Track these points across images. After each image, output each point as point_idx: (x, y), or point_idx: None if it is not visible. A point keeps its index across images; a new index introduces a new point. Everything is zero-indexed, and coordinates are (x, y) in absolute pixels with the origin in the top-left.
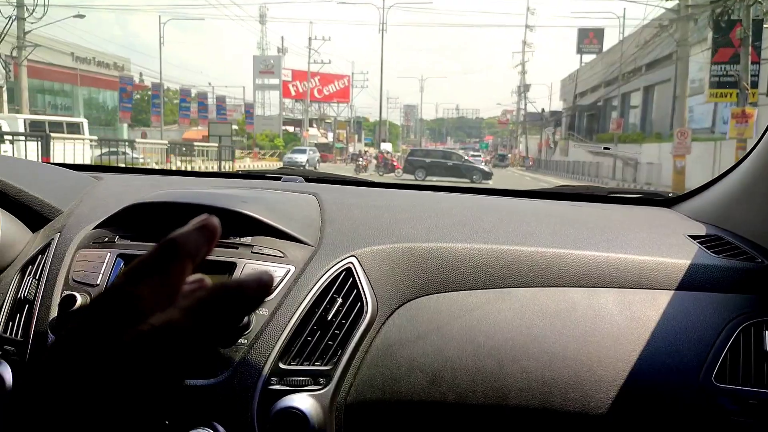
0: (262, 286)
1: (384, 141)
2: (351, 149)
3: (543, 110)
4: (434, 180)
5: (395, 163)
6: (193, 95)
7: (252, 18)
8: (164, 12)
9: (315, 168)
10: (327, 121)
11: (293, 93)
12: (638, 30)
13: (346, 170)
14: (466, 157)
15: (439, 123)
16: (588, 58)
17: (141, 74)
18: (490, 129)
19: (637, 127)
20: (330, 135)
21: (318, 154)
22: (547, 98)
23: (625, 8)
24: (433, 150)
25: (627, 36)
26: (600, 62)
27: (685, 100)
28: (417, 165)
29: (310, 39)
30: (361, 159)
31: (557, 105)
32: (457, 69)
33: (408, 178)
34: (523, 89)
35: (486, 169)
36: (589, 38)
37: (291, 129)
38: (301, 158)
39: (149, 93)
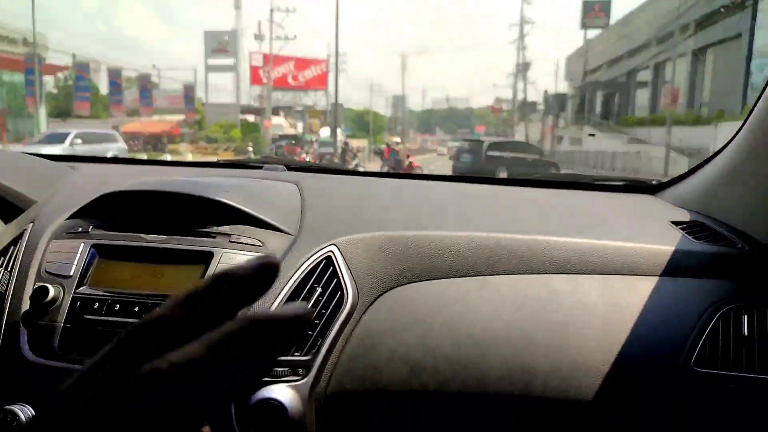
0: (300, 318)
1: (339, 128)
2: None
3: (546, 92)
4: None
5: (411, 160)
6: (129, 78)
7: None
8: None
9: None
10: (297, 109)
11: (265, 80)
12: None
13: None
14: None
15: (428, 114)
16: (593, 33)
17: (73, 55)
18: (482, 119)
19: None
20: (300, 125)
21: (121, 144)
22: (548, 79)
23: None
24: (508, 142)
25: None
26: (618, 30)
27: None
28: (497, 162)
29: (271, 10)
30: (349, 153)
31: (560, 87)
32: (444, 47)
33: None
34: (522, 68)
35: (553, 160)
36: (594, 11)
37: (252, 118)
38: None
39: (75, 75)
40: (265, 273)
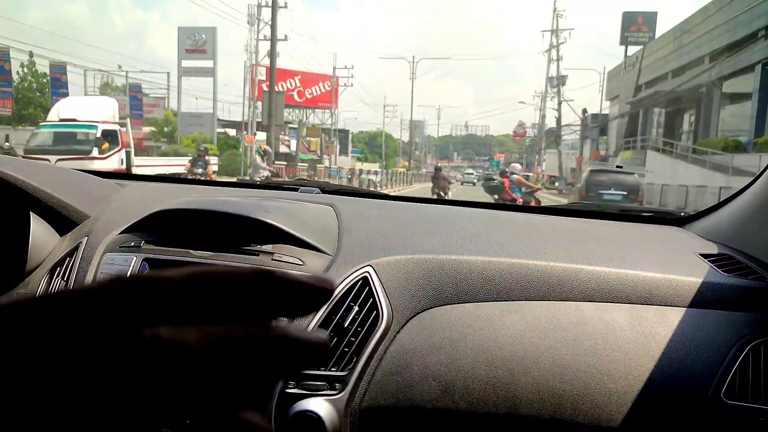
0: (315, 345)
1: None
2: (328, 162)
3: (585, 111)
4: None
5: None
6: (115, 86)
7: None
8: None
9: None
10: (292, 125)
11: (252, 87)
12: None
13: None
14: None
15: (446, 140)
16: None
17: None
18: (501, 147)
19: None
20: (293, 143)
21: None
22: (581, 96)
23: None
24: (613, 171)
25: None
26: (681, 37)
27: None
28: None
29: (259, 6)
30: (441, 180)
31: (592, 106)
32: (465, 68)
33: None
34: (555, 82)
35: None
36: (637, 24)
37: (233, 132)
38: None
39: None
40: (317, 292)
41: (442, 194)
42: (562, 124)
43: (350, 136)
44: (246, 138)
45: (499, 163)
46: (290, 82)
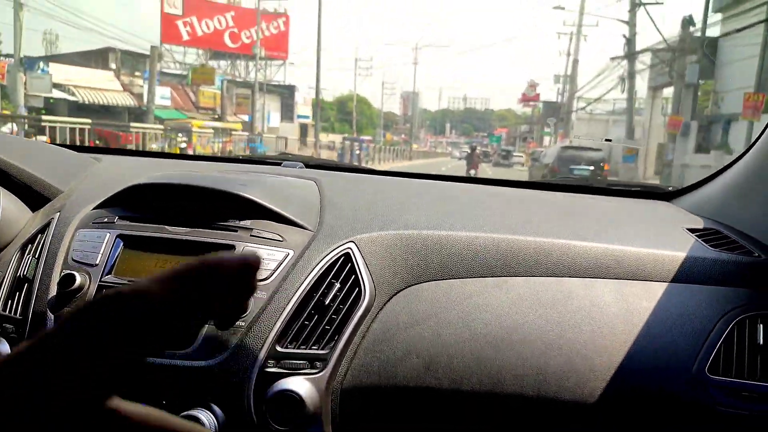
0: (247, 266)
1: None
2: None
3: (689, 21)
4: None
5: None
6: None
7: None
8: None
9: None
10: (166, 70)
11: (186, 36)
12: None
13: None
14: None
15: (442, 114)
16: None
17: None
18: (502, 122)
19: None
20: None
21: None
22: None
23: None
24: (581, 147)
25: None
26: None
27: None
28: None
29: None
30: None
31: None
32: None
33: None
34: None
35: None
36: None
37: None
38: None
39: None
40: (246, 271)
41: (474, 171)
42: (636, 49)
43: (295, 94)
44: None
45: (500, 138)
46: (218, 20)
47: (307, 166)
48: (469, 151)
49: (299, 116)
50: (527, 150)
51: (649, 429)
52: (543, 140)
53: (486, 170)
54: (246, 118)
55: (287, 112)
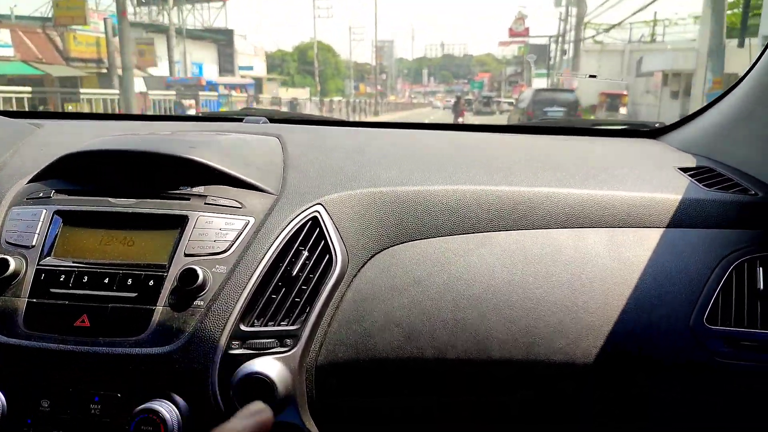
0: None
1: None
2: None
3: None
4: None
5: None
6: None
7: None
8: None
9: None
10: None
11: None
12: None
13: None
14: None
15: (420, 62)
16: None
17: None
18: (482, 67)
19: None
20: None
21: None
22: None
23: None
24: (554, 90)
25: None
26: None
27: None
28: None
29: None
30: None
31: None
32: None
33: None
34: None
35: None
36: None
37: None
38: None
39: None
40: None
41: (460, 119)
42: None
43: (234, 41)
44: None
45: (483, 84)
46: None
47: (272, 120)
48: (454, 101)
49: (242, 68)
50: (516, 96)
51: (645, 387)
52: (534, 83)
53: (469, 119)
54: (153, 71)
55: (227, 63)
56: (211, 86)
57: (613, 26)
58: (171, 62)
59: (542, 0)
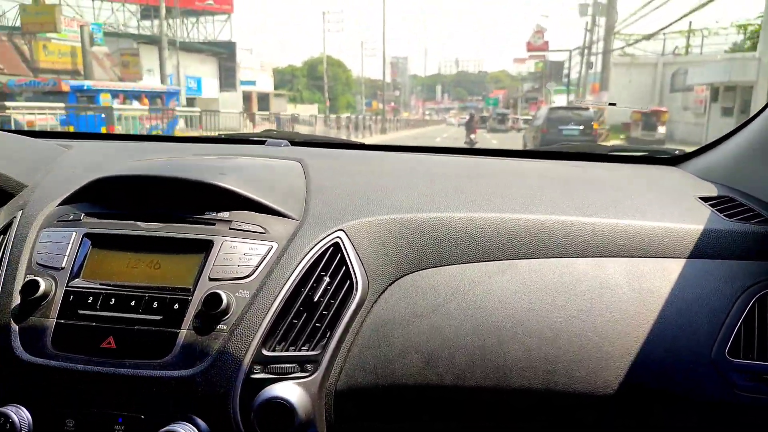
0: None
1: None
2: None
3: None
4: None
5: None
6: None
7: None
8: None
9: None
10: None
11: None
12: None
13: None
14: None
15: (434, 79)
16: None
17: None
18: (497, 84)
19: None
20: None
21: None
22: None
23: None
24: (569, 107)
25: None
26: None
27: None
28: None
29: None
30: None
31: None
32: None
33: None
34: None
35: None
36: None
37: None
38: None
39: None
40: None
41: (473, 136)
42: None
43: (237, 54)
44: None
45: (497, 101)
46: None
47: (292, 143)
48: (468, 118)
49: (243, 82)
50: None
51: (665, 419)
52: (553, 100)
53: (484, 136)
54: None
55: (228, 78)
56: (81, 93)
57: (646, 37)
58: (163, 75)
59: (562, 13)
